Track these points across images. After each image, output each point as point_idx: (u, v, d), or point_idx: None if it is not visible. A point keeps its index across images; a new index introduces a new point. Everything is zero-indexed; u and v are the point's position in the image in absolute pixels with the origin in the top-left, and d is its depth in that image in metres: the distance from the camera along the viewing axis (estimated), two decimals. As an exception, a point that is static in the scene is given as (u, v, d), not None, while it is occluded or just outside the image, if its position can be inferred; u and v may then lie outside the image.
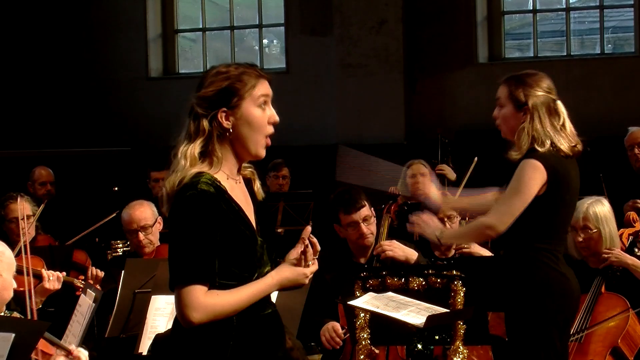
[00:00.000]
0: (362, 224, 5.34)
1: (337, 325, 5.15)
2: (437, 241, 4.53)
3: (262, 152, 3.06)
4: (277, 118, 3.06)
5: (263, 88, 3.02)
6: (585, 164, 4.33)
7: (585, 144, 4.26)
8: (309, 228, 3.05)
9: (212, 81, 3.00)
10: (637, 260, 5.24)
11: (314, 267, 3.04)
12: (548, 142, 4.14)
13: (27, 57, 11.78)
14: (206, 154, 2.99)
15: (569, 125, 4.22)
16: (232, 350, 2.97)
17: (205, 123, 2.97)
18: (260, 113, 3.01)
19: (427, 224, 4.47)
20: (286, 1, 11.25)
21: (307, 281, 3.05)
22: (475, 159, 4.46)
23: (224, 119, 2.98)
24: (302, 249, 3.02)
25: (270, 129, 3.05)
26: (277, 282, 3.01)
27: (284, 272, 3.02)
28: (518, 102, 4.20)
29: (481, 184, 4.67)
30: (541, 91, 4.19)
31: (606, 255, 5.21)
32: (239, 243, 2.96)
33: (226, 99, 2.98)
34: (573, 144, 4.20)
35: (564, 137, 4.18)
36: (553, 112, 4.19)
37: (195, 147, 2.97)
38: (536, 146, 4.15)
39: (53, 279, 5.16)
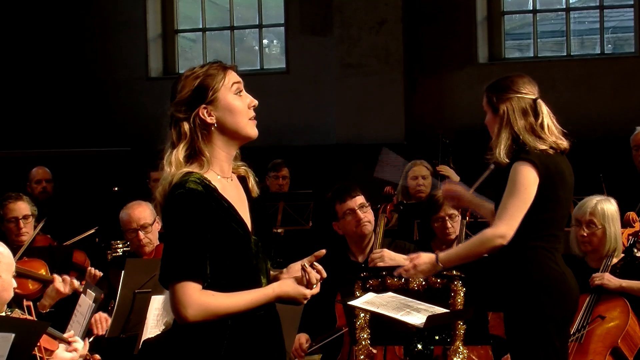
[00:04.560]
0: (358, 210, 5.35)
1: (304, 339, 5.17)
2: (439, 269, 4.24)
3: (253, 131, 3.09)
4: (256, 102, 3.11)
5: (233, 77, 3.08)
6: (586, 164, 4.32)
7: (572, 141, 4.25)
8: (323, 252, 3.08)
9: (184, 85, 3.05)
10: (630, 282, 5.19)
11: (315, 290, 3.06)
12: (529, 142, 4.14)
13: (27, 57, 11.78)
14: (194, 156, 3.02)
15: (548, 123, 4.20)
16: (226, 350, 2.98)
17: (186, 126, 3.01)
18: (238, 100, 3.06)
19: (419, 259, 4.22)
20: (286, 1, 11.26)
21: (304, 302, 3.07)
22: (492, 166, 4.39)
23: (206, 115, 3.02)
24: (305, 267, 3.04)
25: (252, 113, 3.10)
26: (276, 295, 3.02)
27: (285, 287, 3.03)
28: (494, 107, 4.23)
29: (479, 186, 4.64)
30: (514, 94, 4.20)
31: (597, 282, 5.16)
32: (232, 241, 2.98)
33: (202, 96, 3.03)
34: (554, 142, 4.18)
35: (540, 136, 4.17)
36: (529, 113, 4.18)
37: (179, 152, 3.00)
38: (522, 146, 4.15)
39: (66, 283, 5.14)
